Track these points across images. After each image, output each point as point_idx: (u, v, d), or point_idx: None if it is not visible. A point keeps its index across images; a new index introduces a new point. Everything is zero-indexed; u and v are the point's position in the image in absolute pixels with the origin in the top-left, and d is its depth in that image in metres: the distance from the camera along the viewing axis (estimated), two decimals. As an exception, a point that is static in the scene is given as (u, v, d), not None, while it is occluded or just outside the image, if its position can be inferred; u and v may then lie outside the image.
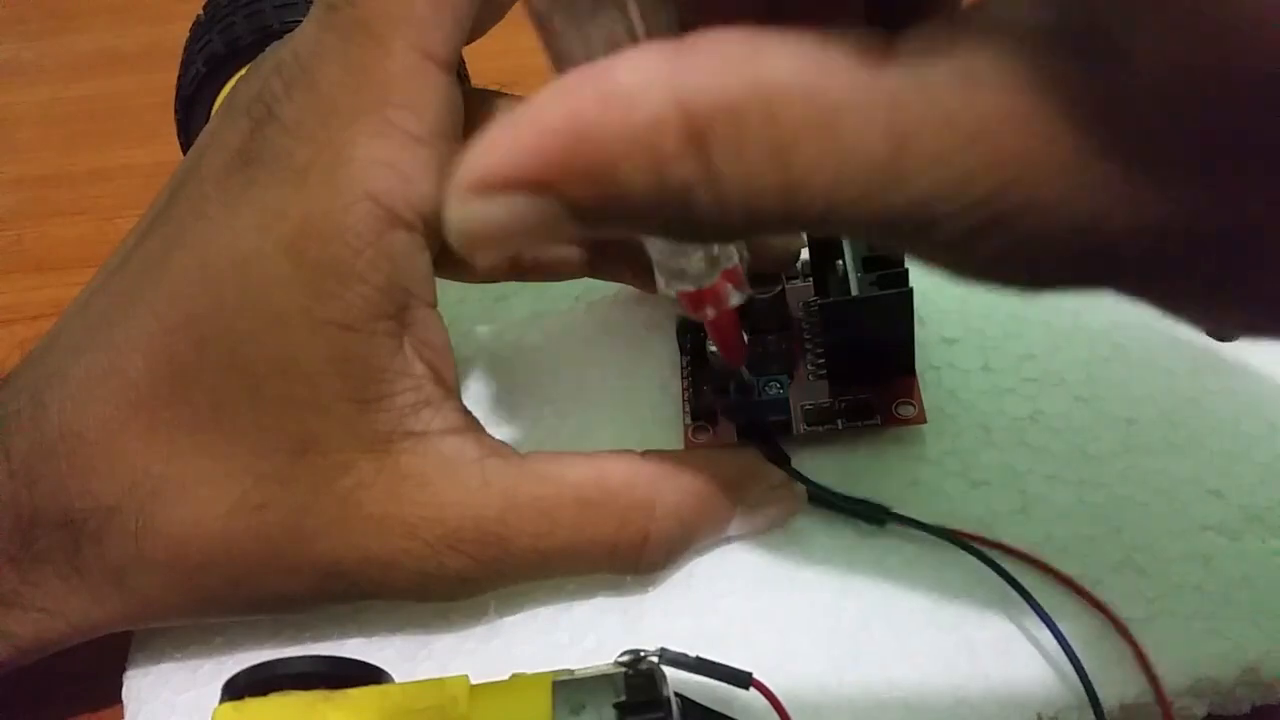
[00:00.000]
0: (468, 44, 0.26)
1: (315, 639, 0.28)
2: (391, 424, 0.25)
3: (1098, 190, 0.14)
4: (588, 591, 0.28)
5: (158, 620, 0.27)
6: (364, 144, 0.24)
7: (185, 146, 0.40)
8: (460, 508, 0.25)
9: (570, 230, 0.15)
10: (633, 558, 0.26)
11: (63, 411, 0.25)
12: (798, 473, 0.28)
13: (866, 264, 0.28)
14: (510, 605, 0.28)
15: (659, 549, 0.27)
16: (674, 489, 0.27)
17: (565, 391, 0.32)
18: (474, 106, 0.27)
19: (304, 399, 0.25)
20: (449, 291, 0.35)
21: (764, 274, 0.30)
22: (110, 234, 0.46)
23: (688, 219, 0.15)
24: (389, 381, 0.25)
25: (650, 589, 0.28)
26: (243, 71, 0.37)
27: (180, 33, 0.39)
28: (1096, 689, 0.24)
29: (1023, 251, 0.15)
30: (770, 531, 0.28)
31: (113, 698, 0.28)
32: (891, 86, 0.14)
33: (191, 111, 0.38)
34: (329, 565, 0.25)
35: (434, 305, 0.26)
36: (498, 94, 0.29)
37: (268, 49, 0.27)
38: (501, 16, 0.26)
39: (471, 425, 0.26)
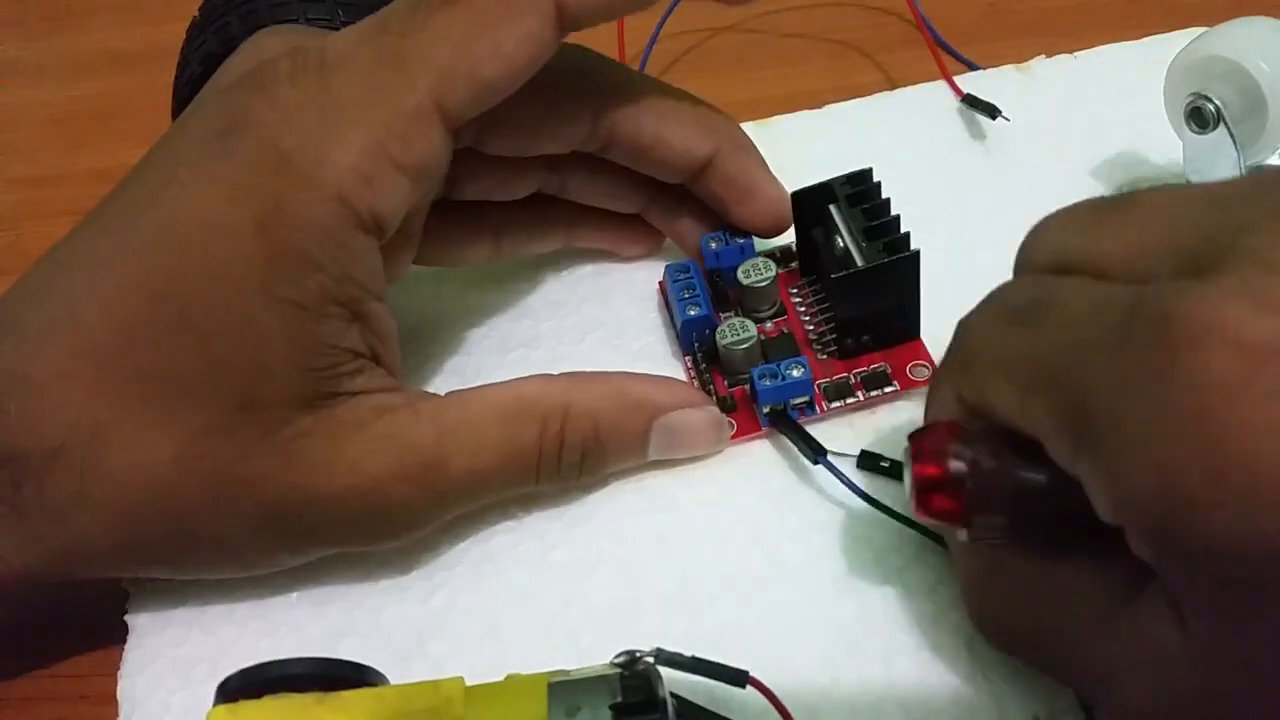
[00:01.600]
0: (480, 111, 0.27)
1: (309, 641, 0.28)
2: (331, 387, 0.26)
3: None
4: (583, 593, 0.28)
5: (93, 566, 0.27)
6: (351, 154, 0.25)
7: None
8: (398, 439, 0.27)
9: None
10: (553, 459, 0.28)
11: (16, 358, 0.26)
12: (833, 467, 0.28)
13: (869, 233, 0.29)
14: (506, 605, 0.28)
15: (574, 448, 0.28)
16: (585, 395, 0.28)
17: (542, 370, 0.32)
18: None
19: (250, 363, 0.26)
20: (447, 286, 0.36)
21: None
22: (110, 234, 0.46)
23: None
24: (334, 355, 0.26)
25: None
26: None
27: (180, 33, 0.39)
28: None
29: None
30: (691, 458, 0.30)
31: (107, 698, 0.28)
32: None
33: (189, 111, 0.38)
34: (271, 508, 0.26)
35: (382, 299, 0.27)
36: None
37: (270, 28, 0.28)
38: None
39: (400, 386, 0.28)
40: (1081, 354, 0.20)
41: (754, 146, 0.32)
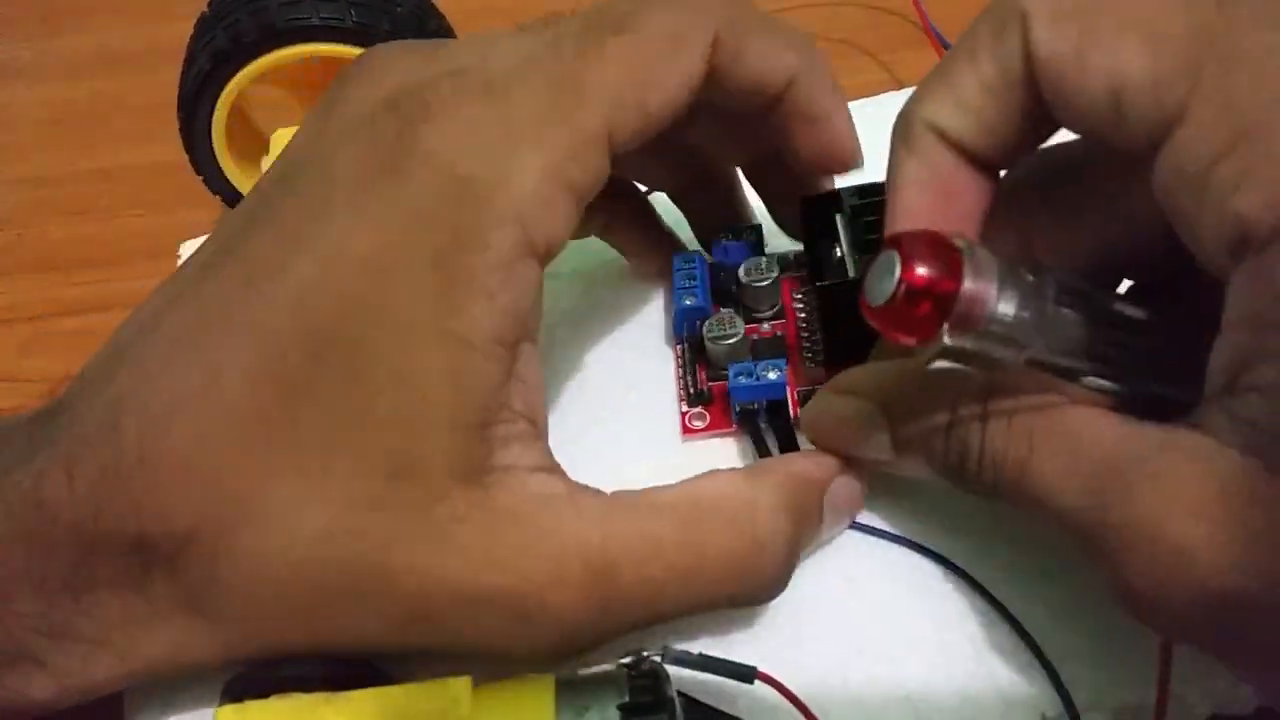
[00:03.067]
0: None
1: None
2: (486, 455, 0.24)
3: None
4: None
5: (212, 659, 0.25)
6: (533, 176, 0.24)
7: (188, 144, 0.40)
8: (559, 537, 0.24)
9: None
10: (753, 569, 0.25)
11: (143, 434, 0.24)
12: None
13: (866, 246, 0.29)
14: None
15: (777, 552, 0.25)
16: (768, 485, 0.26)
17: (555, 375, 0.33)
18: None
19: (411, 415, 0.24)
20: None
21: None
22: (110, 234, 0.46)
23: None
24: (493, 410, 0.24)
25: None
26: (249, 68, 0.37)
27: (180, 32, 0.39)
28: (1104, 688, 0.24)
29: None
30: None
31: (114, 696, 0.28)
32: None
33: (195, 108, 0.38)
34: (416, 603, 0.24)
35: (537, 341, 0.26)
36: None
37: (383, 46, 0.27)
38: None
39: (557, 467, 0.26)
40: None
41: (830, 75, 0.29)
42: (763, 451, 0.29)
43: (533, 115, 0.24)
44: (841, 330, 0.30)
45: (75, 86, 0.53)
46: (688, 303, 0.31)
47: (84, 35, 0.56)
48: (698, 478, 0.26)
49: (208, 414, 0.24)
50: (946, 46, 0.41)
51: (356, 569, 0.23)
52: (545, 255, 0.25)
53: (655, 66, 0.25)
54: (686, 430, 0.30)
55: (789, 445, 0.29)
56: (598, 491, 0.25)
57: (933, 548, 0.27)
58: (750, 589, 0.25)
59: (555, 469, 0.25)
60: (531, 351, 0.26)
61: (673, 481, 0.26)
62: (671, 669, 0.22)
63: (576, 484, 0.25)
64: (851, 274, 0.29)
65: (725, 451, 0.30)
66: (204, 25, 0.39)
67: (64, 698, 0.24)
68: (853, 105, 0.40)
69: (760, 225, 0.33)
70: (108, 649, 0.24)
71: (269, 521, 0.23)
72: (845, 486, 0.27)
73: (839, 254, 0.30)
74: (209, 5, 0.39)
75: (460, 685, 0.22)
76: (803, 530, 0.26)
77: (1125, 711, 0.24)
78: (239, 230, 0.26)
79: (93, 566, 0.24)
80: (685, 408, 0.31)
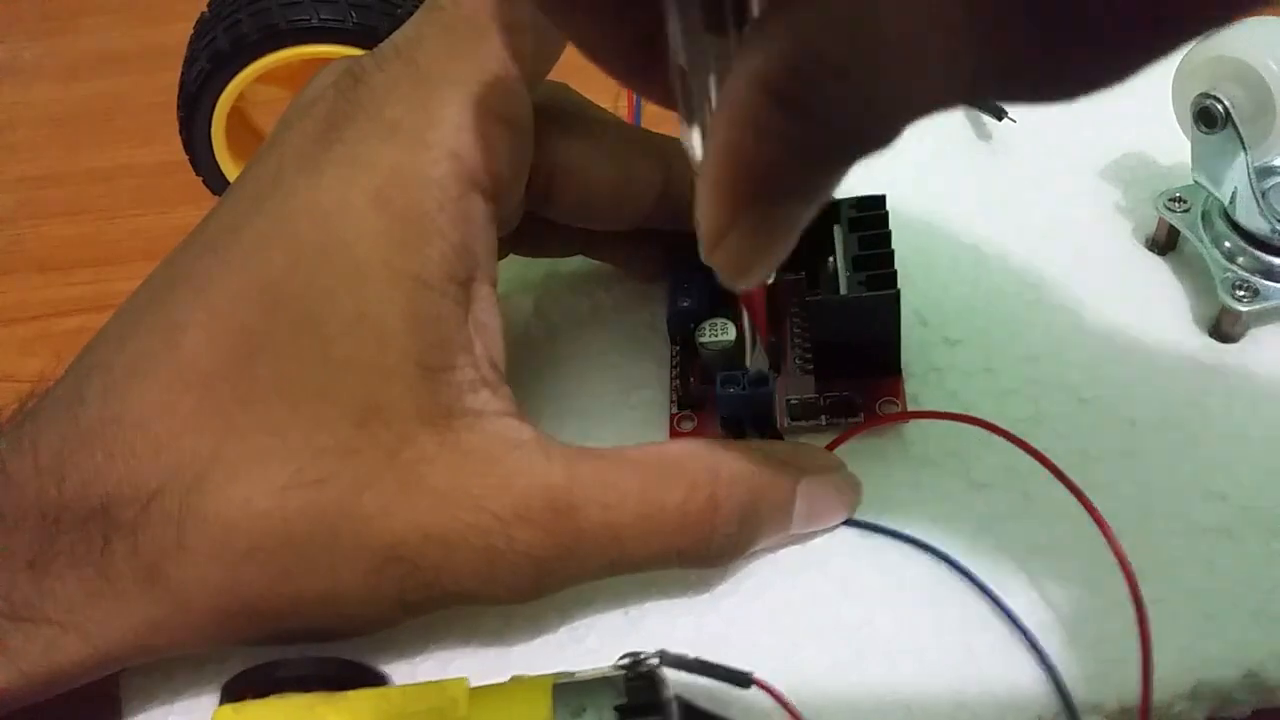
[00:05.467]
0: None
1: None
2: (452, 398, 0.25)
3: None
4: (588, 594, 0.28)
5: (183, 640, 0.25)
6: (455, 108, 0.25)
7: (188, 144, 0.40)
8: (527, 477, 0.25)
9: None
10: (705, 530, 0.26)
11: (106, 398, 0.24)
12: None
13: (856, 263, 0.29)
14: (511, 606, 0.28)
15: (731, 517, 0.26)
16: (735, 458, 0.26)
17: (547, 374, 0.33)
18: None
19: (372, 360, 0.24)
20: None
21: None
22: (110, 234, 0.46)
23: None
24: (453, 352, 0.25)
25: (658, 597, 0.27)
26: (249, 69, 0.37)
27: (180, 32, 0.39)
28: (1098, 690, 0.24)
29: None
30: (824, 532, 0.28)
31: (111, 694, 0.28)
32: None
33: (195, 108, 0.38)
34: (387, 547, 0.24)
35: (494, 284, 0.26)
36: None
37: (336, 62, 0.28)
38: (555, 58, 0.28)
39: (525, 414, 0.26)
40: None
41: None
42: None
43: (440, 58, 0.26)
44: (832, 345, 0.30)
45: (76, 86, 0.53)
46: (683, 305, 0.31)
47: (84, 35, 0.56)
48: (671, 441, 0.27)
49: (166, 374, 0.24)
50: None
51: (326, 516, 0.24)
52: (494, 192, 0.26)
53: None
54: (675, 433, 0.30)
55: None
56: (564, 442, 0.26)
57: (932, 544, 0.27)
58: (700, 549, 0.26)
59: (523, 416, 0.26)
60: (489, 295, 0.26)
61: None
62: (668, 672, 0.22)
63: (544, 433, 0.26)
64: (844, 290, 0.29)
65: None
66: (204, 26, 0.39)
67: (29, 686, 0.24)
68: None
69: None
70: (71, 631, 0.24)
71: (233, 476, 0.24)
72: (827, 484, 0.28)
73: (832, 266, 0.30)
74: (209, 6, 0.39)
75: (457, 686, 0.22)
76: (762, 508, 0.26)
77: (1124, 713, 0.24)
78: (214, 208, 0.27)
79: (55, 539, 0.24)
80: (675, 410, 0.31)
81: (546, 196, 0.29)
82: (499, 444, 0.25)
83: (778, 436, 0.29)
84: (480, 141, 0.25)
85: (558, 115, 0.29)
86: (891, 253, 0.29)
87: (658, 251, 0.34)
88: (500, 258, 0.32)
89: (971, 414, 0.28)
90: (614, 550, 0.25)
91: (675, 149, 0.30)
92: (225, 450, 0.24)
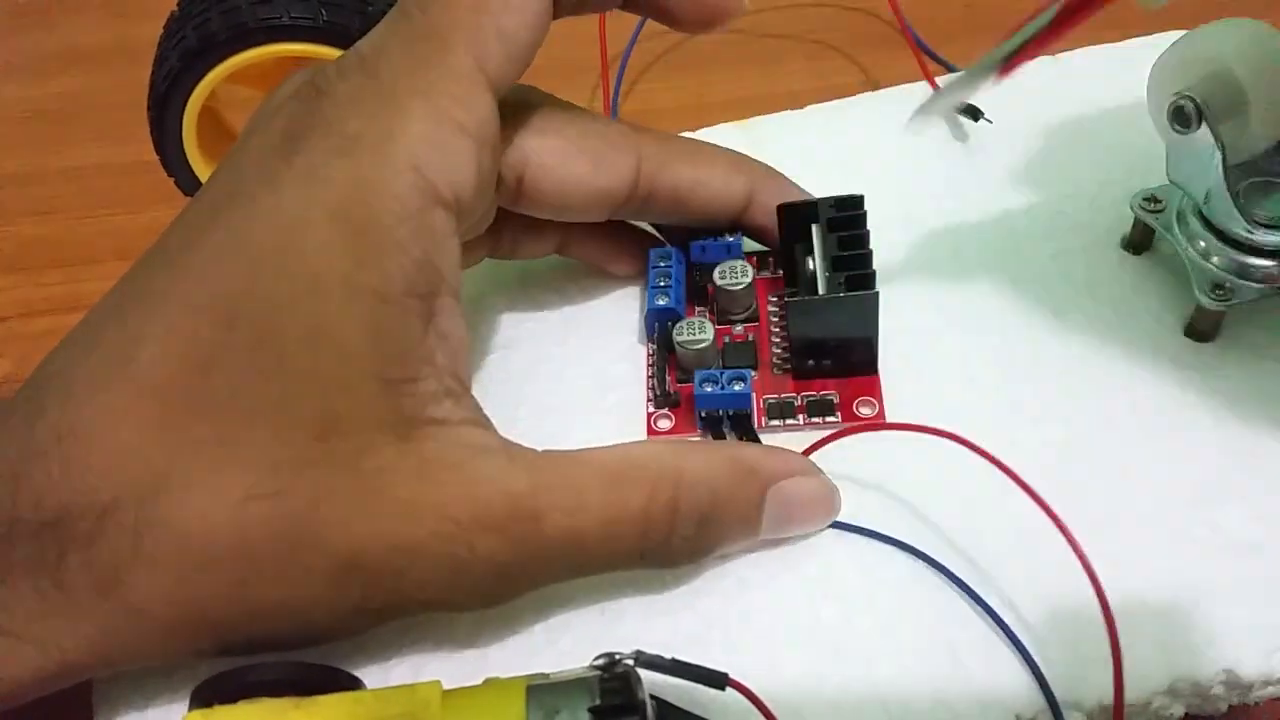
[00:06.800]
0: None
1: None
2: (415, 409, 0.24)
3: None
4: (563, 594, 0.27)
5: (141, 650, 0.25)
6: (416, 121, 0.25)
7: (159, 144, 0.39)
8: (489, 484, 0.25)
9: None
10: (665, 531, 0.26)
11: (63, 411, 0.24)
12: None
13: (835, 263, 0.29)
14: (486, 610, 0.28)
15: (690, 518, 0.26)
16: (700, 461, 0.26)
17: (523, 374, 0.33)
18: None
19: (331, 374, 0.24)
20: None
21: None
22: (81, 233, 0.46)
23: None
24: (415, 365, 0.25)
25: (643, 592, 0.27)
26: (219, 67, 0.37)
27: (151, 31, 0.39)
28: (1077, 688, 0.24)
29: None
30: (804, 536, 0.28)
31: (82, 702, 0.27)
32: None
33: (165, 108, 0.38)
34: (348, 557, 0.24)
35: (459, 296, 0.26)
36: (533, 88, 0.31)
37: (299, 71, 0.27)
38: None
39: (489, 422, 0.26)
40: None
41: (784, 176, 0.33)
42: None
43: (402, 70, 0.26)
44: (809, 344, 0.30)
45: (45, 85, 0.53)
46: (660, 303, 0.31)
47: (54, 34, 0.56)
48: (637, 442, 0.27)
49: (122, 388, 0.24)
50: (922, 46, 0.41)
51: (284, 528, 0.23)
52: (456, 205, 0.25)
53: None
54: (652, 432, 0.30)
55: None
56: (528, 448, 0.26)
57: (912, 544, 0.27)
58: (660, 550, 0.26)
59: (487, 424, 0.26)
60: (453, 307, 0.26)
61: None
62: (644, 673, 0.22)
63: (507, 440, 0.26)
64: (822, 290, 0.29)
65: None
66: (174, 24, 0.38)
67: None
68: (829, 106, 0.41)
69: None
70: (28, 642, 0.23)
71: (189, 488, 0.23)
72: (802, 486, 0.27)
73: (811, 267, 0.30)
74: (179, 4, 0.38)
75: (430, 689, 0.22)
76: (724, 512, 0.26)
77: (1104, 710, 0.24)
78: (174, 221, 0.26)
79: (10, 550, 0.23)
80: (652, 409, 0.31)
81: (519, 193, 0.29)
82: (461, 452, 0.25)
83: (754, 438, 0.29)
84: (442, 154, 0.25)
85: (525, 112, 0.29)
86: (870, 253, 0.29)
87: (634, 248, 0.34)
88: (475, 262, 0.32)
89: (947, 413, 0.28)
90: (577, 554, 0.25)
91: (645, 138, 0.31)
92: (181, 462, 0.24)
